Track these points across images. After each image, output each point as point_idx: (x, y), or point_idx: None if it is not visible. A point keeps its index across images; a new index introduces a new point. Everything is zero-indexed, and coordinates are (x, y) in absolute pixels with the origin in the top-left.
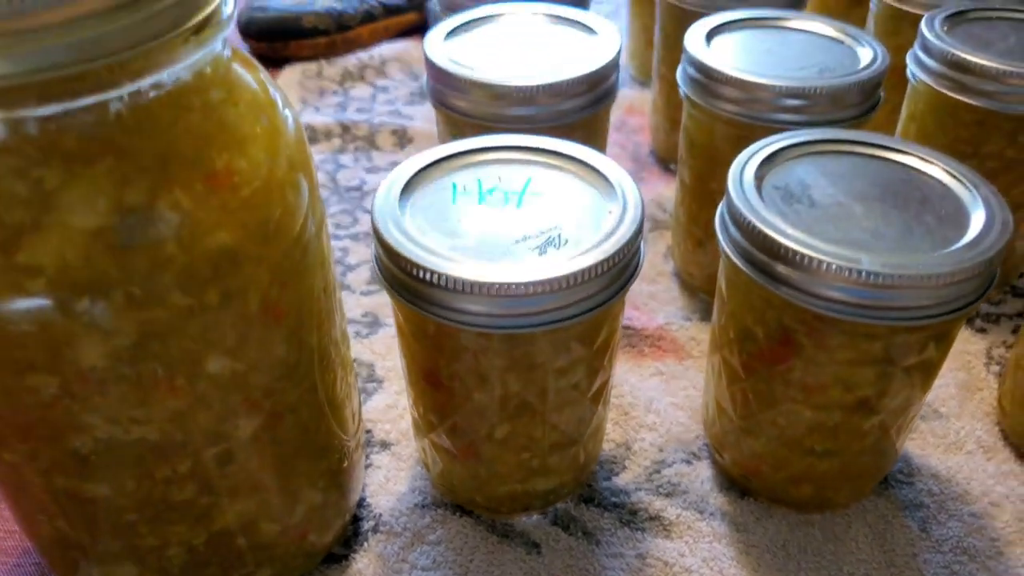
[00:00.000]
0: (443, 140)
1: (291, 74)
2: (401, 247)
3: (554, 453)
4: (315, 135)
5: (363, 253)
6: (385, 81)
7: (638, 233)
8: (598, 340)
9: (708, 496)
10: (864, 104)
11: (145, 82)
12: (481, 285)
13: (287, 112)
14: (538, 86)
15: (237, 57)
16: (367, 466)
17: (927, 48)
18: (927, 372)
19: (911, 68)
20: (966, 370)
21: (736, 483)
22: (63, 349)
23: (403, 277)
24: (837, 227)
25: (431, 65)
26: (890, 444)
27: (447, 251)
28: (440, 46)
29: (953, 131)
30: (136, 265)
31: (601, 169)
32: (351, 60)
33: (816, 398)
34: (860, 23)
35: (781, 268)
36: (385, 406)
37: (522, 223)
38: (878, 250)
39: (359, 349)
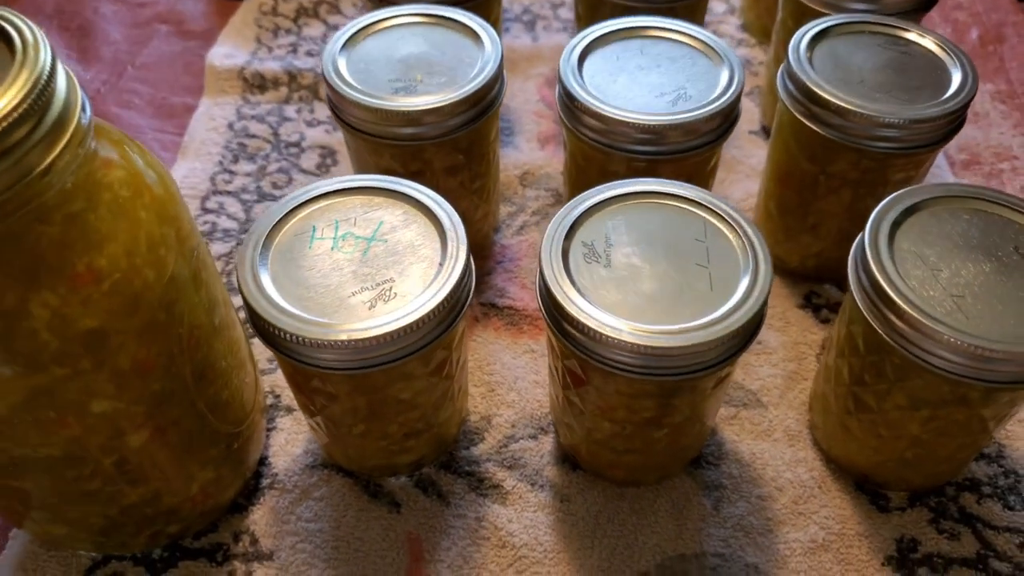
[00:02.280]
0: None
1: (248, 8)
2: (258, 305)
3: (409, 439)
4: (263, 83)
5: None
6: (337, 18)
7: (462, 278)
8: (433, 363)
9: (543, 469)
10: (719, 129)
11: (13, 214)
12: (319, 343)
13: (151, 177)
14: (422, 110)
15: (103, 139)
16: (271, 429)
17: (789, 73)
18: (700, 399)
19: (779, 85)
20: (797, 361)
21: (568, 458)
22: None
23: (264, 329)
24: (620, 290)
25: (328, 83)
26: (685, 443)
27: (298, 307)
28: (336, 59)
29: (808, 148)
30: (18, 348)
31: (438, 212)
32: None
33: (609, 415)
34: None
35: (570, 328)
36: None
37: (364, 273)
38: (648, 317)
39: None
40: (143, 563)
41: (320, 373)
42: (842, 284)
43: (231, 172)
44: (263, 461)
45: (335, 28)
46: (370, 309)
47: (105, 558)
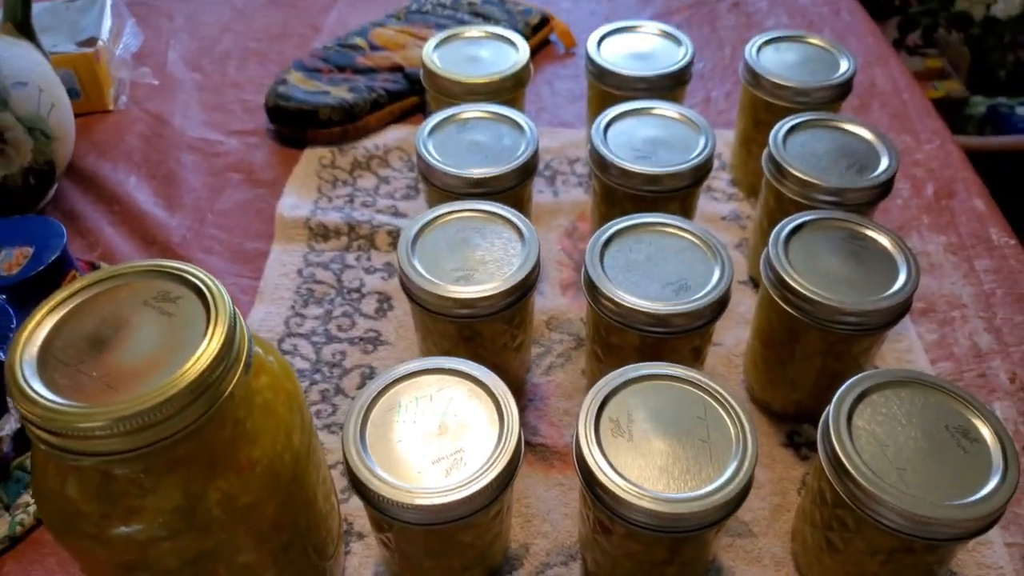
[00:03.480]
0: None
1: (310, 162)
2: (358, 471)
3: (467, 571)
4: (326, 233)
5: (358, 357)
6: (387, 171)
7: (517, 446)
8: (491, 513)
9: None
10: (716, 310)
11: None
12: (404, 505)
13: (285, 383)
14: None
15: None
16: (346, 553)
17: (770, 264)
18: (705, 542)
19: (762, 273)
20: (782, 495)
21: None
22: (152, 562)
23: (360, 487)
24: (641, 459)
25: (402, 271)
26: (692, 574)
27: (387, 472)
28: (408, 249)
29: (785, 323)
30: (195, 522)
31: (495, 391)
32: (360, 149)
33: (629, 556)
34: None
35: (600, 492)
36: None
37: (440, 444)
38: (662, 486)
39: None
40: None
41: (402, 526)
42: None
43: (302, 315)
44: None
45: (385, 180)
46: (446, 476)
47: None
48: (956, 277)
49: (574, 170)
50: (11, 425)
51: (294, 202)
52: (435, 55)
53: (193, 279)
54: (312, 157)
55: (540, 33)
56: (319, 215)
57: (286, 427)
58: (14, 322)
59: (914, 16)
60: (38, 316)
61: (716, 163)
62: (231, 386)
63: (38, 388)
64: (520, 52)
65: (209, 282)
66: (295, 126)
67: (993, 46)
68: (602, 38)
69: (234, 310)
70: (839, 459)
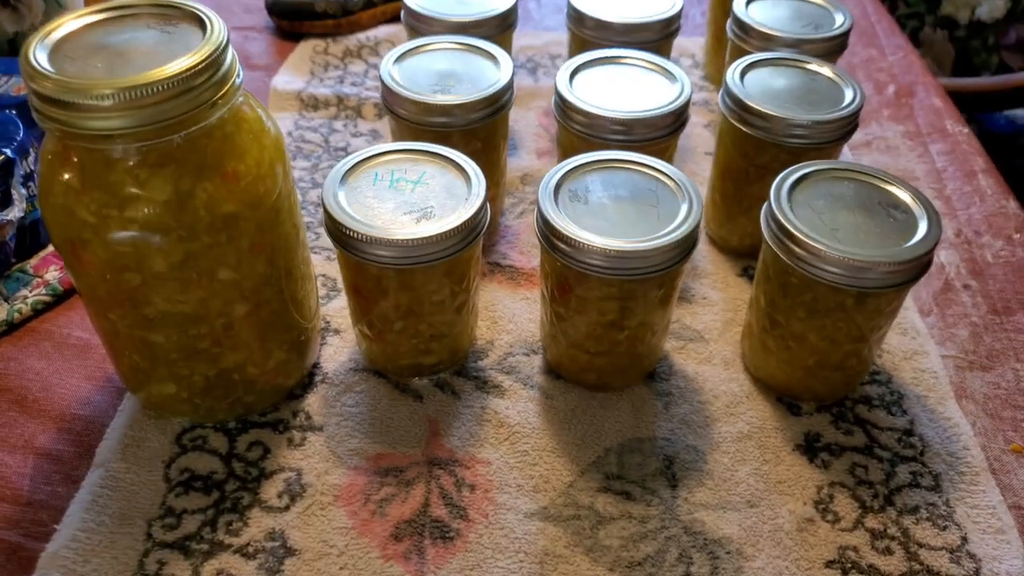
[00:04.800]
0: (392, 130)
1: (304, 49)
2: (335, 213)
3: (433, 341)
4: (316, 103)
5: None
6: (376, 59)
7: (481, 208)
8: (456, 273)
9: (533, 376)
10: (672, 126)
11: (193, 128)
12: (379, 240)
13: (270, 125)
14: (453, 105)
15: (245, 98)
16: (323, 344)
17: (727, 91)
18: (650, 307)
19: (720, 101)
20: (733, 311)
21: (552, 370)
22: (144, 260)
23: (337, 232)
24: (595, 219)
25: (383, 84)
26: (642, 350)
27: (363, 218)
28: (391, 66)
29: (741, 146)
30: (183, 219)
31: (466, 168)
32: (352, 40)
33: (585, 318)
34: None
35: (559, 244)
36: (340, 306)
37: (412, 202)
38: (615, 235)
39: (328, 268)
40: (221, 430)
41: (378, 270)
42: None
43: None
44: (316, 365)
45: (375, 66)
46: (416, 223)
47: (192, 426)
48: (911, 157)
49: (555, 64)
50: (15, 213)
51: (288, 79)
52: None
53: (194, 10)
54: (307, 46)
55: None
56: (310, 89)
57: (270, 159)
58: (21, 131)
59: (900, 18)
60: (52, 25)
61: (689, 61)
62: (219, 93)
63: (50, 68)
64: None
65: (208, 13)
66: (292, 19)
67: (978, 48)
68: None
69: (227, 37)
70: (780, 223)
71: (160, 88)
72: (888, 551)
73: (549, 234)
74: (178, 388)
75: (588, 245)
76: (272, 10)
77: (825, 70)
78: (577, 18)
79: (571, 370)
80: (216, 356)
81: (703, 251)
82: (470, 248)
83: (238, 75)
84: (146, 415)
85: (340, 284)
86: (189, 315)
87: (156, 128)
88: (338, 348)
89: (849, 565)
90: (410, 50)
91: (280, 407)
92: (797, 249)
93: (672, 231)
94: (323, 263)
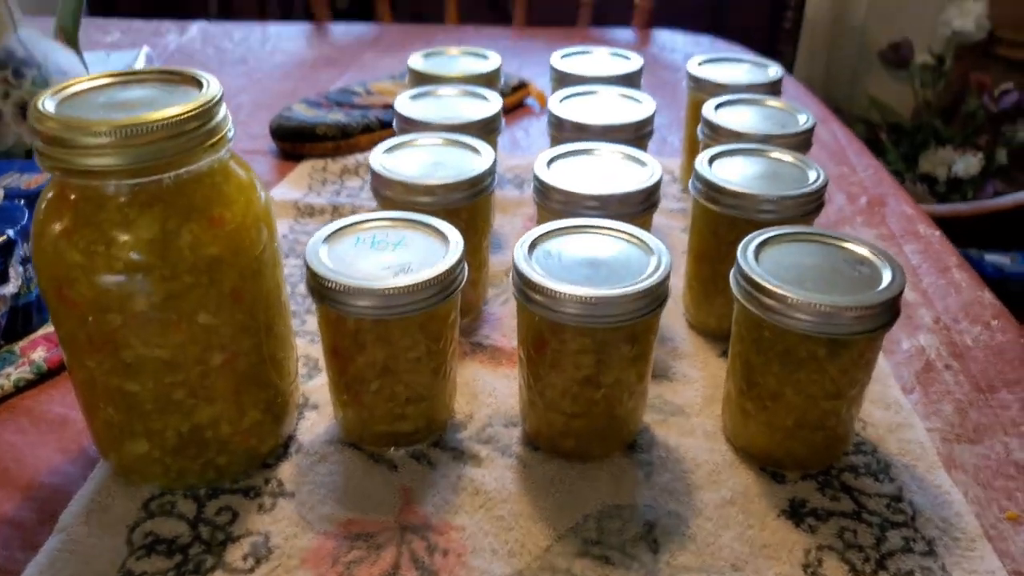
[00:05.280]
0: None
1: (305, 167)
2: (316, 267)
3: (409, 405)
4: (312, 211)
5: None
6: None
7: (457, 264)
8: (432, 329)
9: (512, 446)
10: (646, 203)
11: (182, 170)
12: (356, 290)
13: (260, 191)
14: (436, 184)
15: (234, 159)
16: (300, 418)
17: (698, 176)
18: (624, 363)
19: (691, 188)
20: (714, 388)
21: (531, 442)
22: (126, 300)
23: (317, 286)
24: (569, 273)
25: (371, 171)
26: (620, 413)
27: (343, 272)
28: (380, 156)
29: (712, 226)
30: (167, 257)
31: (446, 232)
32: (350, 159)
33: (561, 374)
34: None
35: (535, 295)
36: (320, 384)
37: (391, 260)
38: (589, 286)
39: (311, 349)
40: (191, 497)
41: (355, 324)
42: None
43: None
44: (292, 438)
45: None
46: (395, 277)
47: (162, 492)
48: None
49: None
50: (9, 289)
51: (286, 191)
52: (409, 104)
53: (194, 74)
54: (307, 165)
55: (517, 93)
56: (307, 199)
57: (255, 216)
58: (26, 217)
59: None
60: (63, 85)
61: (667, 177)
62: (210, 140)
63: (53, 111)
64: (491, 102)
65: (207, 76)
66: (294, 141)
67: (957, 201)
68: (563, 99)
69: (221, 94)
70: (749, 277)
71: (153, 128)
72: None
73: (525, 287)
74: (150, 446)
75: (563, 294)
76: (276, 134)
77: (788, 157)
78: (557, 124)
79: (549, 436)
80: (191, 409)
81: (683, 335)
82: (446, 303)
83: (230, 129)
84: (116, 482)
85: (321, 364)
86: (166, 361)
87: (148, 166)
88: (315, 422)
89: None
90: (399, 144)
91: (252, 475)
92: (766, 299)
93: (642, 281)
94: (306, 345)
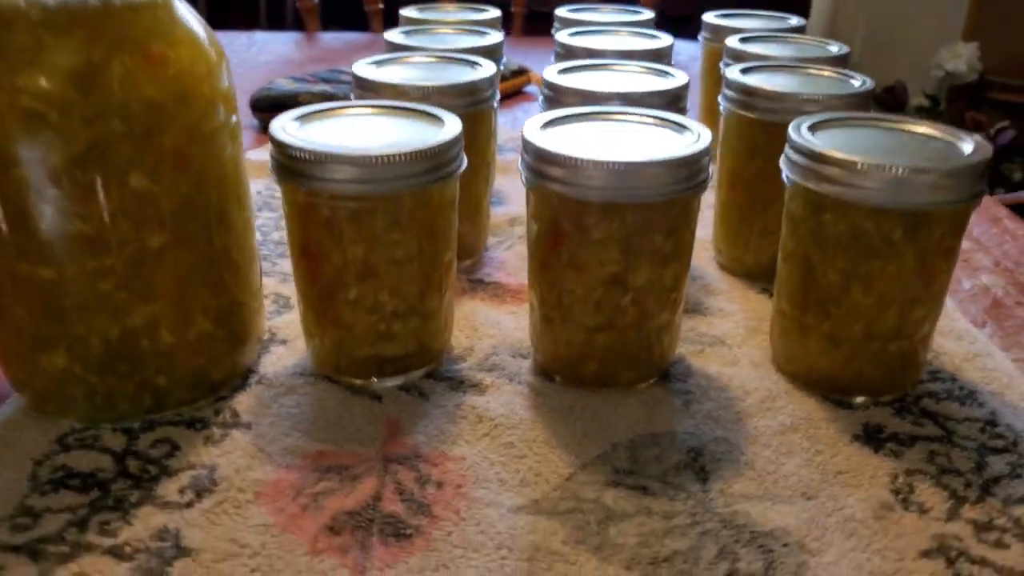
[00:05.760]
0: None
1: None
2: (281, 137)
3: (396, 320)
4: None
5: None
6: None
7: (455, 141)
8: (423, 222)
9: (521, 375)
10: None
11: None
12: (331, 158)
13: (212, 47)
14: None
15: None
16: (264, 352)
17: (727, 83)
18: (658, 259)
19: (720, 100)
20: (757, 321)
21: (545, 372)
22: (37, 151)
23: (283, 158)
24: (590, 143)
25: (355, 77)
26: (650, 329)
27: (317, 143)
28: (364, 68)
29: (749, 139)
30: (92, 96)
31: (440, 115)
32: None
33: (583, 275)
34: None
35: (550, 169)
36: (291, 319)
37: (375, 135)
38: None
39: (282, 288)
40: (121, 431)
41: (330, 211)
42: None
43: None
44: (252, 373)
45: None
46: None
47: (85, 428)
48: None
49: None
50: None
51: (262, 154)
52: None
53: None
54: None
55: (517, 79)
56: None
57: (209, 72)
58: None
59: None
60: None
61: None
62: None
63: None
64: (484, 69)
65: None
66: (275, 110)
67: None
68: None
69: None
70: (805, 149)
71: None
72: (1001, 544)
73: (538, 163)
74: (70, 360)
75: (586, 162)
76: (256, 106)
77: (826, 71)
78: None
79: (568, 360)
80: (121, 307)
81: (715, 275)
82: (443, 188)
83: None
84: (28, 416)
85: (293, 300)
86: (89, 239)
87: None
88: (282, 357)
89: (955, 554)
90: (389, 59)
91: (201, 406)
92: (829, 169)
93: (679, 151)
94: (277, 284)
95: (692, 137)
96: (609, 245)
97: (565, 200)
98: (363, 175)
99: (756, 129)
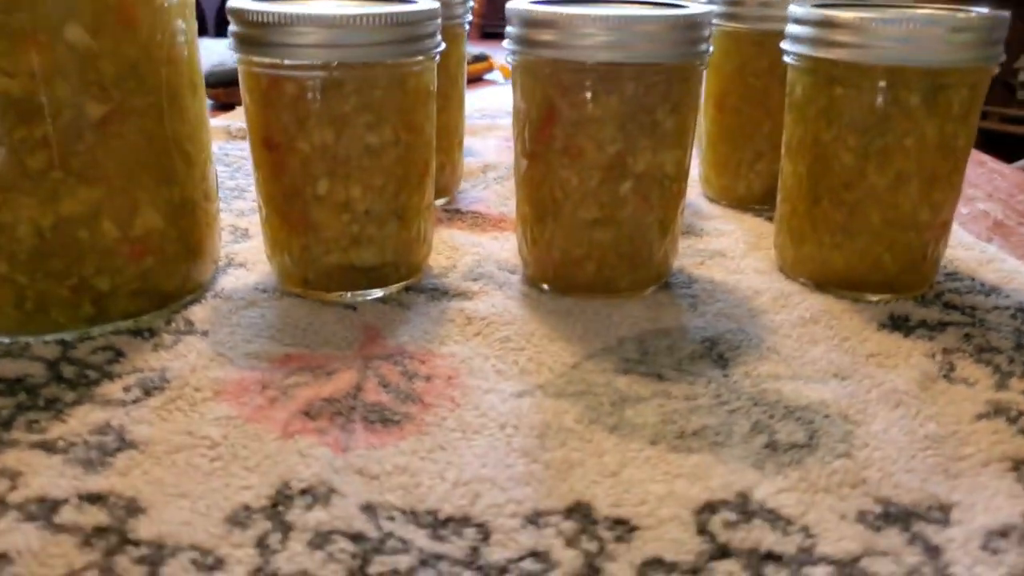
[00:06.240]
0: None
1: (240, 108)
2: (244, 5)
3: (371, 223)
4: (246, 135)
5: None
6: None
7: (433, 12)
8: (399, 104)
9: (511, 283)
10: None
11: None
12: (297, 19)
13: None
14: None
15: None
16: (221, 274)
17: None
18: (660, 140)
19: None
20: (756, 237)
21: (536, 283)
22: None
23: (244, 27)
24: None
25: None
26: (652, 222)
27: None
28: None
29: (738, 56)
30: None
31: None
32: None
33: (579, 160)
34: None
35: (544, 35)
36: (250, 246)
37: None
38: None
39: (238, 221)
40: (57, 343)
41: (296, 90)
42: None
43: None
44: (207, 290)
45: None
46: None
47: (12, 342)
48: None
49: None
50: None
51: (216, 121)
52: None
53: None
54: (240, 108)
55: (479, 64)
56: (239, 124)
57: None
58: None
59: None
60: None
61: None
62: None
63: None
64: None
65: None
66: (229, 86)
67: None
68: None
69: None
70: (820, 15)
71: None
72: None
73: (527, 26)
74: None
75: (582, 18)
76: (207, 82)
77: None
78: None
79: (563, 264)
80: (56, 189)
81: (705, 205)
82: (418, 71)
83: None
84: None
85: (251, 231)
86: (16, 100)
87: None
88: (241, 277)
89: (1015, 413)
90: None
91: (150, 317)
92: (839, 35)
93: (682, 10)
94: (233, 218)
95: (694, 7)
96: (607, 123)
97: (559, 69)
98: (332, 38)
99: (745, 43)
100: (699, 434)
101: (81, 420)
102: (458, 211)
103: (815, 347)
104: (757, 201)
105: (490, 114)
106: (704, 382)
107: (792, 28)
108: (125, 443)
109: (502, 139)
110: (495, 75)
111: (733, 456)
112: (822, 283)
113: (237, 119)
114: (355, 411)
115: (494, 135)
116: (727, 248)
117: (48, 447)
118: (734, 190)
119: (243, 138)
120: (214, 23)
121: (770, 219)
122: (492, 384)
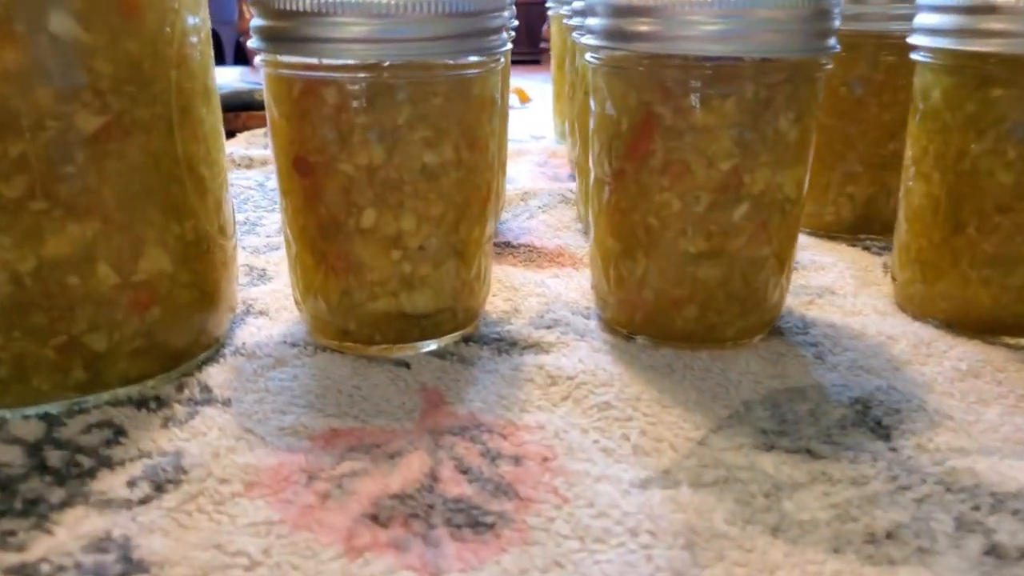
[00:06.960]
0: None
1: (240, 139)
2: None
3: (424, 260)
4: (250, 163)
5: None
6: None
7: (500, 8)
8: (464, 120)
9: (591, 330)
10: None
11: None
12: (342, 6)
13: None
14: None
15: None
16: (240, 324)
17: None
18: (780, 150)
19: None
20: (863, 272)
21: (619, 330)
22: None
23: (271, 21)
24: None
25: None
26: (765, 256)
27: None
28: None
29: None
30: None
31: None
32: None
33: (679, 180)
34: None
35: (640, 26)
36: (270, 290)
37: None
38: None
39: (255, 260)
40: (39, 418)
41: (338, 92)
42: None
43: None
44: (224, 345)
45: None
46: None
47: None
48: None
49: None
50: None
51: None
52: None
53: None
54: (241, 137)
55: None
56: (246, 152)
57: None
58: None
59: None
60: None
61: None
62: None
63: None
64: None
65: None
66: (227, 111)
67: None
68: None
69: None
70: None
71: None
72: None
73: (619, 17)
74: None
75: (689, 1)
76: None
77: None
78: None
79: (656, 309)
80: (38, 224)
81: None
82: (484, 74)
83: None
84: None
85: (268, 272)
86: None
87: None
88: (263, 327)
89: None
90: None
91: (156, 382)
92: (998, 21)
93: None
94: (248, 256)
95: None
96: (720, 133)
97: (658, 67)
98: (382, 31)
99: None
100: (894, 536)
101: (72, 531)
102: (508, 244)
103: (987, 409)
104: (847, 229)
105: (515, 138)
106: (869, 459)
107: (927, 18)
108: (132, 565)
109: (534, 164)
110: (511, 99)
111: (949, 569)
112: (961, 325)
113: (239, 145)
114: (434, 512)
115: (525, 160)
116: (834, 284)
117: (28, 574)
118: (820, 216)
119: (247, 166)
120: (232, 53)
121: (868, 249)
122: (602, 469)
